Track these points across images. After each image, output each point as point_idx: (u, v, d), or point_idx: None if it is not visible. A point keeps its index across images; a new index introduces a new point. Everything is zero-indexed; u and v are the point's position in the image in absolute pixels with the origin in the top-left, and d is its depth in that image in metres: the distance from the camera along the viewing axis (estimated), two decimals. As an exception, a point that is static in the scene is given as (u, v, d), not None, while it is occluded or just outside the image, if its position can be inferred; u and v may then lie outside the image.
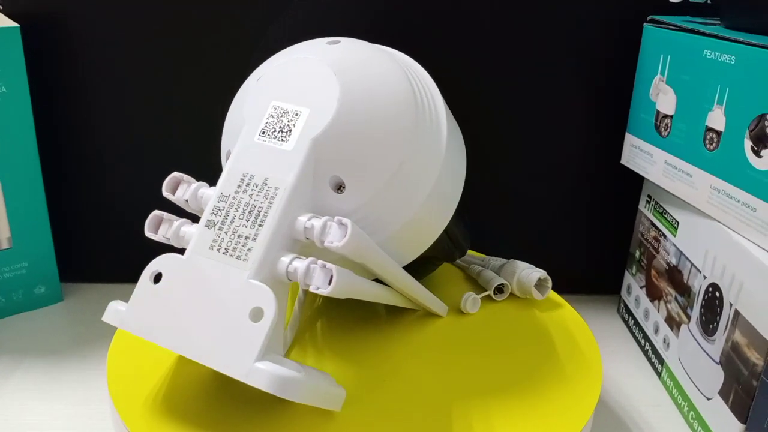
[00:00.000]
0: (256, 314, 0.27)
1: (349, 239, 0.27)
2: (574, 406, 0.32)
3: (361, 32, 0.46)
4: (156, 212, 0.31)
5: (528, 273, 0.41)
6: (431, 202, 0.31)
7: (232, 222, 0.29)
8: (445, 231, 0.36)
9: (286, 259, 0.28)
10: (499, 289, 0.42)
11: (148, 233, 0.31)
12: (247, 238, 0.28)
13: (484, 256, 0.46)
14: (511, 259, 0.43)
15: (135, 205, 0.50)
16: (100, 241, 0.51)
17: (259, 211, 0.29)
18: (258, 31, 0.46)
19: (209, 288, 0.28)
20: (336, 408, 0.30)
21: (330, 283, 0.27)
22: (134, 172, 0.49)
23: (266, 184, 0.29)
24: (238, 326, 0.27)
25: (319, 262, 0.27)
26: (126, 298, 0.50)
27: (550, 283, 0.41)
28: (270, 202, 0.29)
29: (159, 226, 0.31)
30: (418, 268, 0.39)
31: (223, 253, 0.29)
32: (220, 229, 0.29)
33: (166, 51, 0.46)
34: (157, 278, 0.29)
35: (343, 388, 0.30)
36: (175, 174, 0.32)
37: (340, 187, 0.29)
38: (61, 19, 0.45)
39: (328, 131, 0.29)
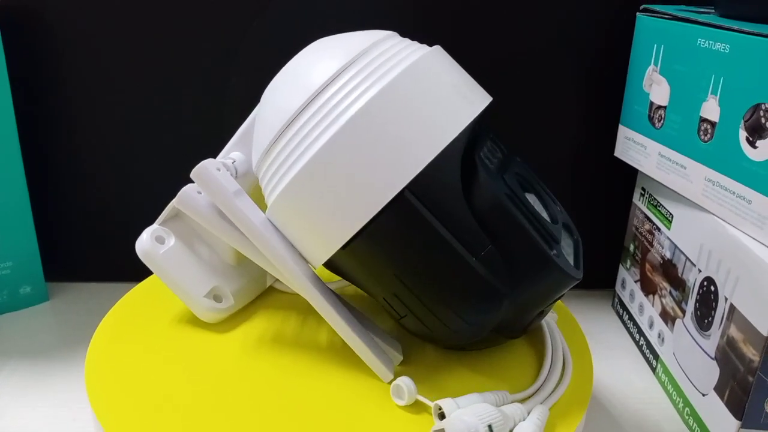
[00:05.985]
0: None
1: (194, 172, 0.32)
2: (566, 403, 0.32)
3: (351, 24, 0.45)
4: None
5: (478, 420, 0.28)
6: (304, 187, 0.30)
7: None
8: (401, 282, 0.30)
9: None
10: (441, 415, 0.30)
11: None
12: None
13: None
14: (534, 407, 0.31)
15: (121, 203, 0.50)
16: (86, 240, 0.51)
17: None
18: (244, 24, 0.45)
19: None
20: (200, 316, 0.36)
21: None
22: (119, 170, 0.49)
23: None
24: None
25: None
26: (113, 298, 0.50)
27: None
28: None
29: None
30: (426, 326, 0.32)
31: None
32: None
33: (148, 45, 0.45)
34: None
35: (220, 308, 0.36)
36: None
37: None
38: (39, 10, 0.44)
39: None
